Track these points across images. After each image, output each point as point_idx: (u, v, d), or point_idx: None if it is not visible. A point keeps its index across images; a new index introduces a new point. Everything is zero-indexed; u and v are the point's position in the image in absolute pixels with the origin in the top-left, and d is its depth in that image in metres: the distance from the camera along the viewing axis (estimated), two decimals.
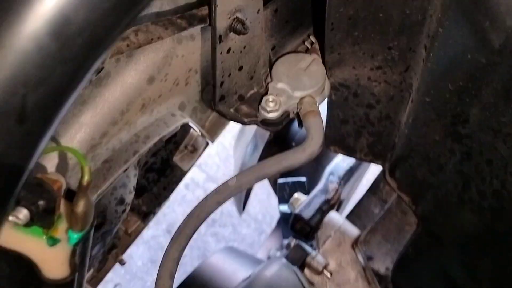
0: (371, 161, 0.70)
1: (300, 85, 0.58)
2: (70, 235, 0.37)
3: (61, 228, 0.38)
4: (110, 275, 1.02)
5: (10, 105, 0.21)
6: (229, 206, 1.84)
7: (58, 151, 0.46)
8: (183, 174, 0.85)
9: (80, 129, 0.52)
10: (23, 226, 0.35)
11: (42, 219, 0.36)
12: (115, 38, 0.24)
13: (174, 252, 0.54)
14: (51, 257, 0.36)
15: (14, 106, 0.21)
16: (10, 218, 0.33)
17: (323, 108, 0.62)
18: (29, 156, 0.24)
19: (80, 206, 0.35)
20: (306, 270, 0.71)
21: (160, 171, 0.85)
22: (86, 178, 0.35)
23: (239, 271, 0.73)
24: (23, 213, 0.34)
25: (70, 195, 0.38)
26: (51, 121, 0.23)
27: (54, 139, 0.46)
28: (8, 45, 0.20)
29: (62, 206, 0.38)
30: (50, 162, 0.45)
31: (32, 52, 0.21)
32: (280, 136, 1.04)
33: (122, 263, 0.86)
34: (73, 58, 0.21)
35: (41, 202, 0.35)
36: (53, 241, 0.37)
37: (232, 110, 0.59)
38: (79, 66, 0.22)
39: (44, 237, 0.37)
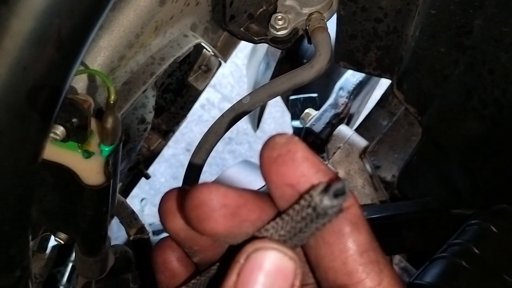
0: (379, 75, 0.71)
1: (308, 1, 0.58)
2: (102, 148, 0.41)
3: (94, 143, 0.42)
4: (136, 191, 1.10)
5: (48, 33, 0.24)
6: (245, 124, 1.89)
7: (85, 75, 0.49)
8: (198, 93, 0.89)
9: (100, 53, 0.54)
10: (61, 141, 0.40)
11: (77, 135, 0.40)
12: None
13: (196, 165, 0.59)
14: (88, 167, 0.41)
15: (52, 34, 0.24)
16: (50, 134, 0.38)
17: (332, 24, 0.63)
18: (65, 77, 0.27)
19: (109, 122, 0.39)
20: None
21: (176, 91, 0.88)
22: (113, 97, 0.38)
23: (255, 181, 0.77)
24: (60, 130, 0.39)
25: (99, 114, 0.42)
26: (82, 45, 0.27)
27: (82, 63, 0.50)
28: None
29: (94, 124, 0.42)
30: (79, 84, 0.49)
31: None
32: (291, 53, 1.05)
33: (147, 177, 0.93)
34: None
35: (74, 120, 0.39)
36: (87, 154, 0.42)
37: (242, 29, 0.60)
38: None
39: (80, 150, 0.42)
